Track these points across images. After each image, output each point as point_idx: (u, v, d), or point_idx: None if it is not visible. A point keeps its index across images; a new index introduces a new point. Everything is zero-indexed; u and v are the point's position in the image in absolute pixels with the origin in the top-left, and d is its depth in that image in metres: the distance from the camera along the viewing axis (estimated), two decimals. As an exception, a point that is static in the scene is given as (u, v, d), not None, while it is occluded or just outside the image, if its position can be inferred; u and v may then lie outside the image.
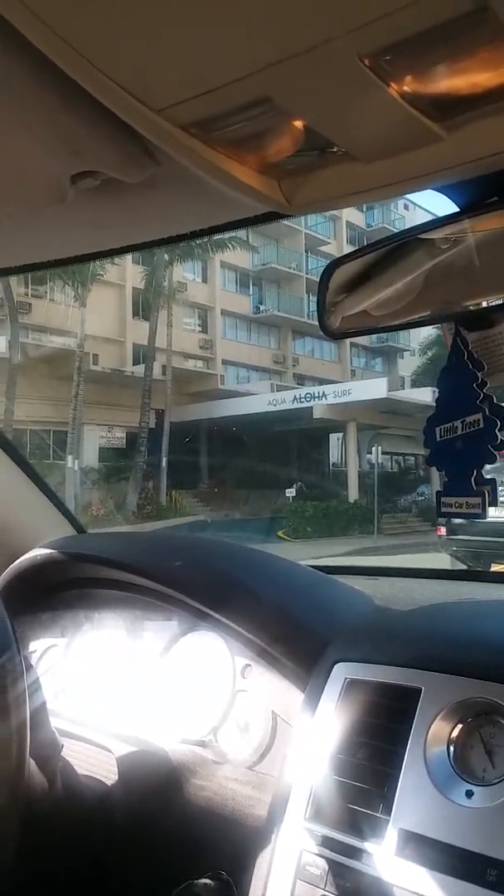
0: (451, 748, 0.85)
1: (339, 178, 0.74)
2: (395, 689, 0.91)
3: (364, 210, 34.72)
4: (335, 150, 0.71)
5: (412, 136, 0.67)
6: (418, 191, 0.79)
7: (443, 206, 0.94)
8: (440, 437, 0.89)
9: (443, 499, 0.87)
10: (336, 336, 0.98)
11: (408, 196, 34.74)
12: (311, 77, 0.60)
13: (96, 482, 21.43)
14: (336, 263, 0.96)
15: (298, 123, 0.67)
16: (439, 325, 1.05)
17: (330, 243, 32.00)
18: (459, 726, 0.86)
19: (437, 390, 0.92)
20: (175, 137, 0.68)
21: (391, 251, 0.97)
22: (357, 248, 0.97)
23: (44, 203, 0.84)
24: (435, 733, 0.86)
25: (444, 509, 0.86)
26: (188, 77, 0.61)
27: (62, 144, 0.74)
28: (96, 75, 0.61)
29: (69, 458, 19.69)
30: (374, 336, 34.78)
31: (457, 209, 0.90)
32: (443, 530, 10.45)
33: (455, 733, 0.85)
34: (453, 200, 0.91)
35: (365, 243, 1.00)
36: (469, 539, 9.54)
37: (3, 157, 0.77)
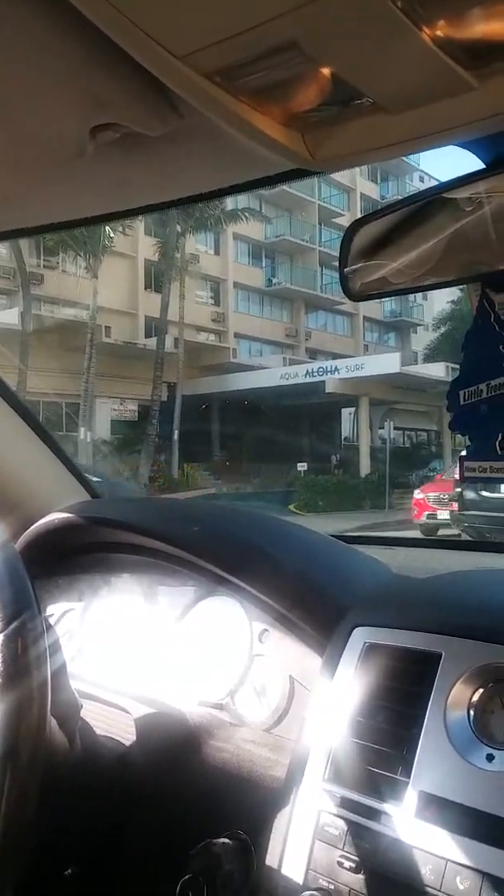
0: (472, 712, 0.84)
1: (366, 131, 0.73)
2: (415, 654, 0.91)
3: (378, 182, 34.32)
4: (362, 100, 0.69)
5: (443, 86, 0.65)
6: (446, 145, 0.76)
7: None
8: (464, 400, 0.88)
9: (466, 463, 0.86)
10: (357, 298, 0.96)
11: (423, 168, 34.45)
12: (340, 20, 0.58)
13: (108, 454, 21.51)
14: (358, 224, 0.95)
15: (325, 71, 0.65)
16: (461, 289, 1.03)
17: (343, 215, 31.58)
18: (480, 691, 0.85)
19: (449, 365, 0.90)
20: (198, 86, 0.66)
21: (414, 212, 0.95)
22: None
23: (63, 158, 0.83)
24: (455, 697, 0.85)
25: (467, 474, 0.85)
26: (212, 21, 0.59)
27: (82, 94, 0.72)
28: (118, 19, 0.59)
29: (81, 430, 19.74)
30: (387, 310, 34.66)
31: (483, 166, 0.88)
32: (455, 506, 10.51)
33: (475, 698, 0.85)
34: (479, 157, 0.89)
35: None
36: (480, 515, 9.56)
37: (22, 109, 0.75)
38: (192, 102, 0.70)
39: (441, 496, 13.01)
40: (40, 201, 1.00)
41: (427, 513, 13.15)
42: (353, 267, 0.94)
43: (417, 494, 14.19)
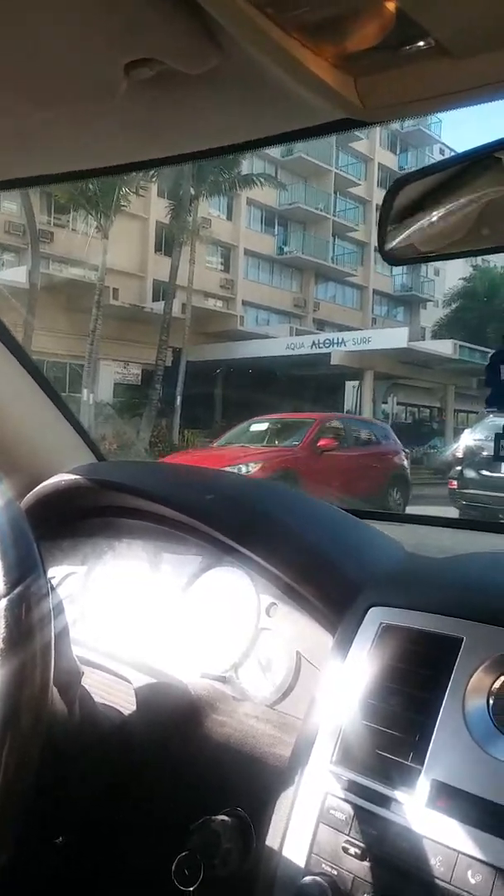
0: (492, 701, 0.81)
1: (425, 77, 0.67)
2: (434, 638, 0.87)
3: (397, 152, 33.77)
4: (424, 43, 0.64)
5: None
6: (507, 98, 0.71)
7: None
8: (505, 376, 0.83)
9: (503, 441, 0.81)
10: (396, 262, 0.90)
11: (444, 140, 33.94)
12: None
13: (110, 417, 21.46)
14: (403, 181, 0.88)
15: (389, 5, 0.59)
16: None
17: (360, 185, 31.19)
18: (502, 679, 0.82)
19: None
20: (246, 16, 0.60)
21: (459, 173, 0.89)
22: (427, 165, 0.89)
23: (93, 97, 0.77)
24: (475, 685, 0.82)
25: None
26: None
27: (116, 25, 0.66)
28: None
29: (84, 391, 19.66)
30: (397, 284, 34.36)
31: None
32: (454, 483, 10.43)
33: (496, 686, 0.82)
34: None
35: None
36: (479, 493, 9.53)
37: (50, 41, 0.69)
38: (237, 36, 0.64)
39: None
40: (67, 144, 0.94)
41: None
42: (394, 228, 0.88)
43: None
